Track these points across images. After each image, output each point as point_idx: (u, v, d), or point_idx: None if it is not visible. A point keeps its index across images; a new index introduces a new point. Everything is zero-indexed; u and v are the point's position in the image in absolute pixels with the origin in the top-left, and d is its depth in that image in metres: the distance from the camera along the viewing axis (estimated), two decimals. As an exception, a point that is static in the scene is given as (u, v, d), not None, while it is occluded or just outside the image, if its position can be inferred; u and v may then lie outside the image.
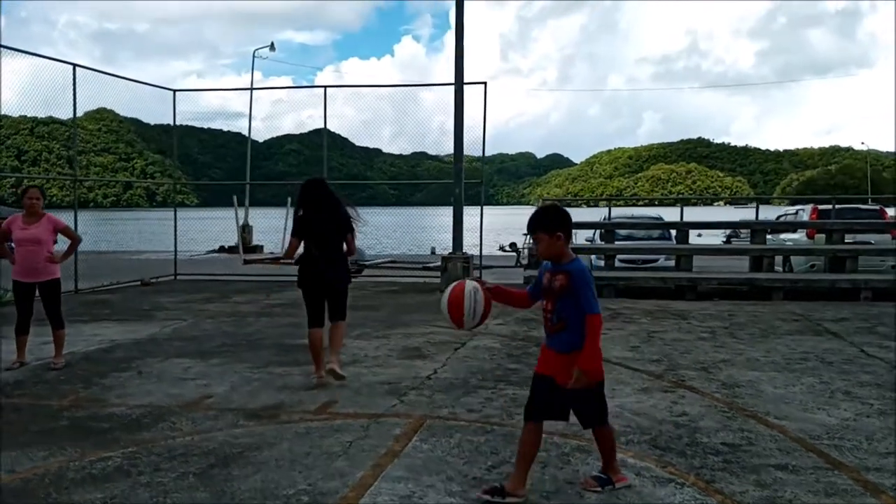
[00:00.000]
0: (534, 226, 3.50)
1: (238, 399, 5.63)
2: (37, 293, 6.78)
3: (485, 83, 14.31)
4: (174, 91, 16.38)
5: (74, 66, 13.11)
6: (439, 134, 21.21)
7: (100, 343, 7.92)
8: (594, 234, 17.12)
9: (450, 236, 13.63)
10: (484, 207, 14.66)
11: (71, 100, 13.08)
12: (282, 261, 6.53)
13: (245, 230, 25.94)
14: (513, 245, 16.38)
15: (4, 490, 3.83)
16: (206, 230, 27.11)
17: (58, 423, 5.03)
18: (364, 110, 18.02)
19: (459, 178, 13.51)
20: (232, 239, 27.63)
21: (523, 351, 7.39)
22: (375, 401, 5.54)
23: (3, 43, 12.43)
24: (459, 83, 13.48)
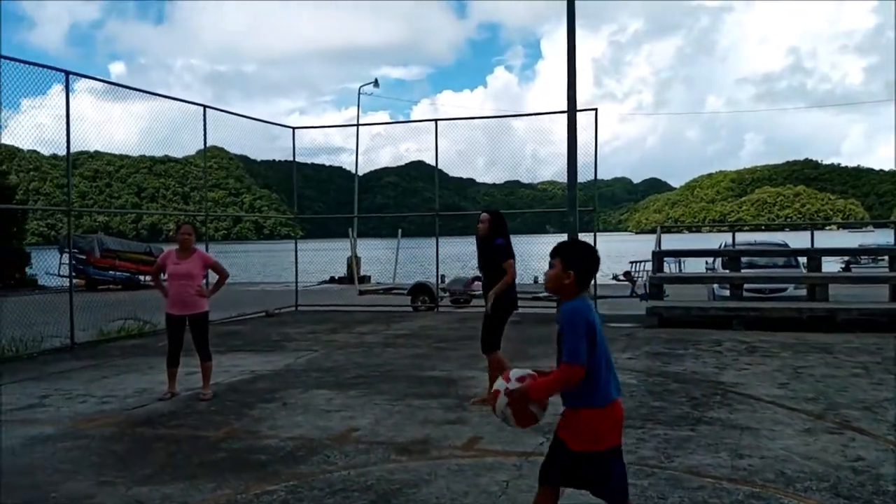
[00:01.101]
0: (557, 250, 3.09)
1: (384, 432, 5.65)
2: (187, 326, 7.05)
3: (595, 110, 14.23)
4: (293, 128, 17.00)
5: (205, 107, 13.82)
6: (533, 162, 21.13)
7: (241, 374, 8.18)
8: (713, 262, 16.53)
9: (545, 265, 13.42)
10: (585, 234, 14.38)
11: (183, 139, 13.85)
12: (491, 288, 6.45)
13: (353, 261, 26.53)
14: (627, 274, 16.00)
15: (184, 521, 3.94)
16: (313, 261, 27.88)
17: (217, 454, 5.17)
18: (458, 141, 18.15)
19: (573, 206, 13.33)
20: (338, 269, 28.37)
21: (664, 388, 7.14)
22: (521, 438, 5.43)
23: (131, 85, 13.24)
24: (572, 111, 13.37)
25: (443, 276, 16.58)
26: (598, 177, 15.45)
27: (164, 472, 4.79)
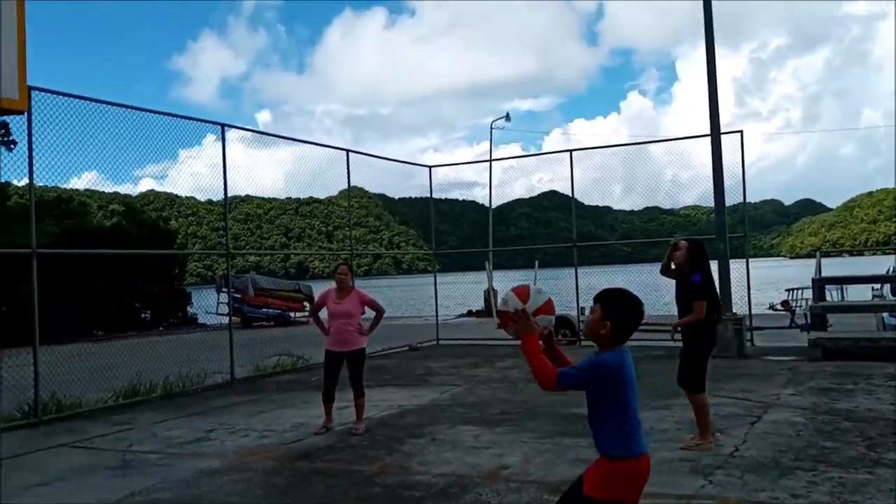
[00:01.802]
0: (600, 296, 2.98)
1: (535, 471, 5.56)
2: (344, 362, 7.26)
3: (741, 132, 13.66)
4: (430, 167, 17.40)
5: (347, 151, 14.42)
6: (673, 187, 20.44)
7: (389, 408, 8.34)
8: (881, 289, 15.30)
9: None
10: (735, 261, 13.65)
11: (326, 181, 14.52)
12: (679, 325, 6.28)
13: (490, 294, 26.62)
14: (785, 303, 15.04)
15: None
16: (451, 295, 28.20)
17: (373, 489, 5.27)
18: (592, 169, 17.86)
19: (722, 232, 12.77)
20: (475, 302, 28.53)
21: (834, 426, 6.61)
22: (679, 480, 5.20)
23: (278, 133, 14.04)
24: (716, 134, 12.92)
25: (583, 309, 16.27)
26: (747, 199, 14.74)
27: (324, 506, 4.93)
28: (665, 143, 16.11)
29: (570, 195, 15.63)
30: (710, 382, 9.07)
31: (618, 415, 2.83)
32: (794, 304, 15.23)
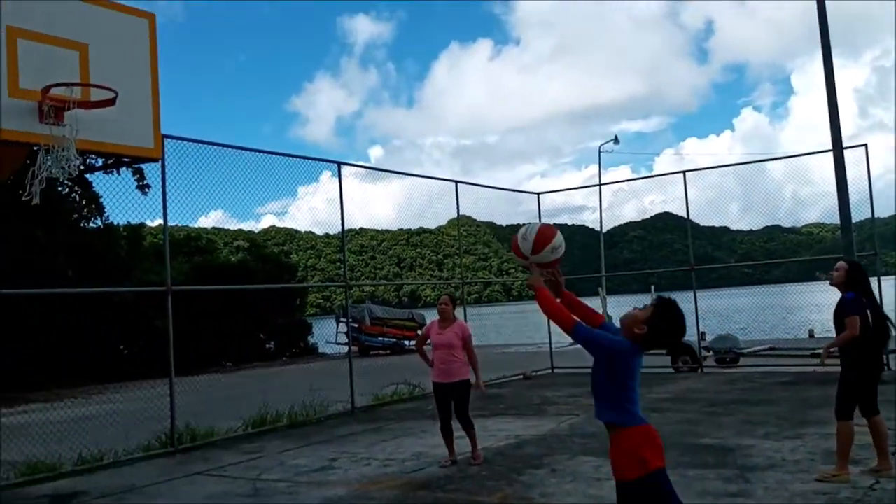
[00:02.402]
0: (655, 301, 3.07)
1: (660, 504, 5.40)
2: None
3: (865, 145, 13.00)
4: (538, 194, 17.39)
5: (456, 182, 14.67)
6: (793, 204, 19.44)
7: (507, 438, 8.33)
8: None
9: (824, 316, 12.19)
10: (882, 279, 12.84)
11: (435, 211, 14.76)
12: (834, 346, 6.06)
13: (611, 320, 26.16)
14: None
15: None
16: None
17: (494, 520, 5.28)
18: (707, 189, 17.29)
19: (850, 251, 12.07)
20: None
21: None
22: (819, 514, 4.93)
23: (390, 168, 14.44)
24: (839, 148, 12.29)
25: (703, 333, 15.72)
26: (875, 215, 13.90)
27: (446, 536, 4.98)
28: (784, 159, 15.48)
29: (685, 217, 15.22)
30: (830, 411, 8.58)
31: (620, 391, 3.05)
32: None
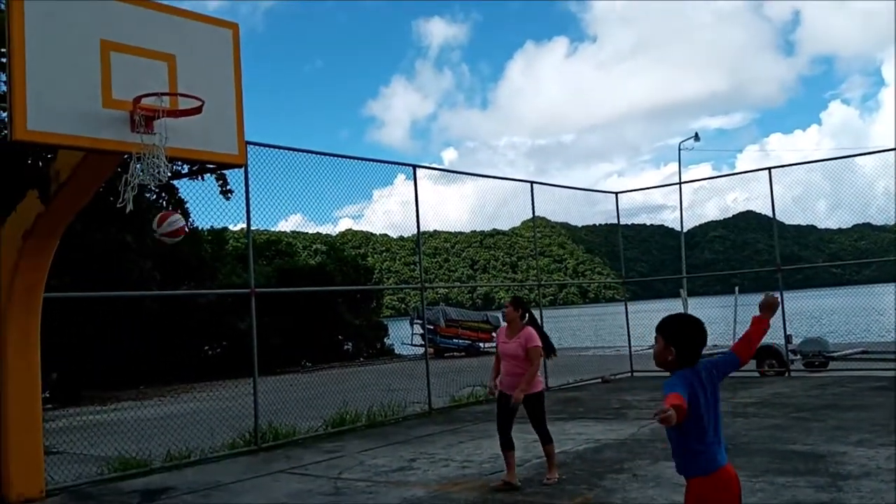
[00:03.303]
0: (659, 325, 3.10)
1: (749, 512, 5.23)
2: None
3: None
4: (616, 193, 17.11)
5: (532, 183, 14.57)
6: (885, 201, 18.51)
7: (586, 442, 8.21)
8: None
9: None
10: None
11: (508, 212, 14.71)
12: None
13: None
14: None
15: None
16: (642, 324, 27.30)
17: (575, 525, 5.21)
18: (792, 186, 16.63)
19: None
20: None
21: None
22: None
23: (464, 171, 14.48)
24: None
25: (789, 336, 15.13)
26: None
27: (527, 540, 4.94)
28: (876, 153, 14.76)
29: (770, 215, 14.69)
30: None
31: (689, 433, 2.87)
32: None
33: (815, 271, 35.06)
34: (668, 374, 3.04)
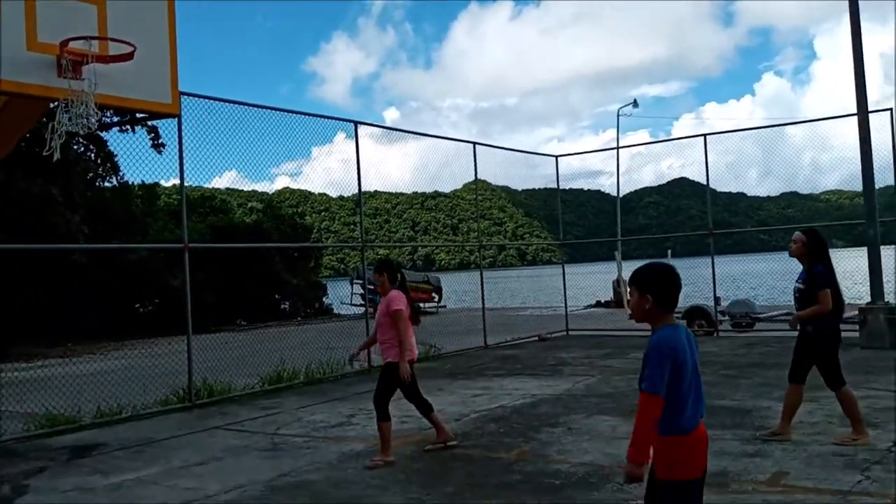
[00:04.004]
0: (631, 277, 2.99)
1: (677, 463, 5.42)
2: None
3: (890, 110, 12.71)
4: (556, 157, 17.24)
5: (474, 143, 14.54)
6: (812, 171, 19.18)
7: (523, 397, 8.36)
8: None
9: (843, 284, 12.02)
10: (884, 248, 12.63)
11: (451, 174, 14.70)
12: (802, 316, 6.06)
13: (619, 284, 26.11)
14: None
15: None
16: (578, 286, 27.90)
17: (512, 476, 5.31)
18: (725, 154, 17.09)
19: (872, 218, 11.91)
20: (603, 293, 28.07)
21: None
22: (834, 474, 4.92)
23: (408, 129, 14.35)
24: (864, 113, 12.05)
25: (718, 298, 15.63)
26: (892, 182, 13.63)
27: (466, 491, 5.02)
28: (804, 124, 15.21)
29: (704, 182, 15.02)
30: (860, 375, 8.60)
31: (676, 391, 2.77)
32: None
33: (743, 236, 36.21)
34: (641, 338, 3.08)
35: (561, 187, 17.66)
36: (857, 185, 12.34)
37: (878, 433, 5.95)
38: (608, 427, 6.66)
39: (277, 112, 11.05)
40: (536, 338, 14.93)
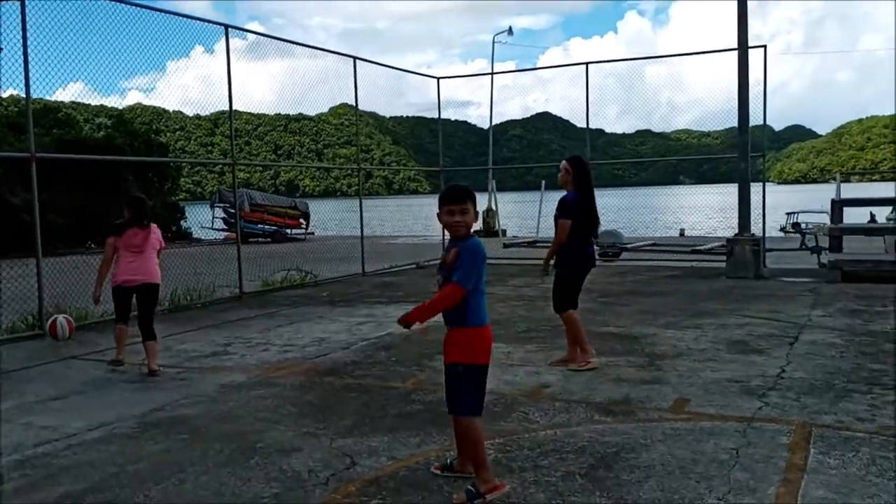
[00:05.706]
0: (465, 196, 3.49)
1: (578, 390, 5.33)
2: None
3: (765, 46, 13.10)
4: (438, 79, 16.74)
5: (355, 58, 13.77)
6: (668, 110, 19.89)
7: (410, 326, 8.07)
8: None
9: (694, 218, 12.63)
10: (761, 184, 13.23)
11: (315, 97, 13.91)
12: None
13: (489, 214, 26.30)
14: (796, 226, 14.81)
15: (395, 478, 3.80)
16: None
17: (411, 406, 5.04)
18: (589, 90, 17.32)
19: (745, 153, 12.38)
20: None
21: (877, 348, 6.41)
22: (734, 401, 4.98)
23: (280, 37, 13.34)
24: (744, 48, 12.38)
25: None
26: (749, 122, 13.99)
27: (364, 423, 4.68)
28: (662, 65, 15.64)
29: (586, 111, 14.99)
30: (733, 303, 8.96)
31: (477, 290, 3.47)
32: (810, 230, 15.03)
33: (598, 171, 37.44)
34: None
35: (429, 116, 17.29)
36: (707, 126, 12.78)
37: (765, 359, 6.12)
38: (502, 354, 6.50)
39: (132, 9, 9.64)
40: (415, 265, 14.69)
